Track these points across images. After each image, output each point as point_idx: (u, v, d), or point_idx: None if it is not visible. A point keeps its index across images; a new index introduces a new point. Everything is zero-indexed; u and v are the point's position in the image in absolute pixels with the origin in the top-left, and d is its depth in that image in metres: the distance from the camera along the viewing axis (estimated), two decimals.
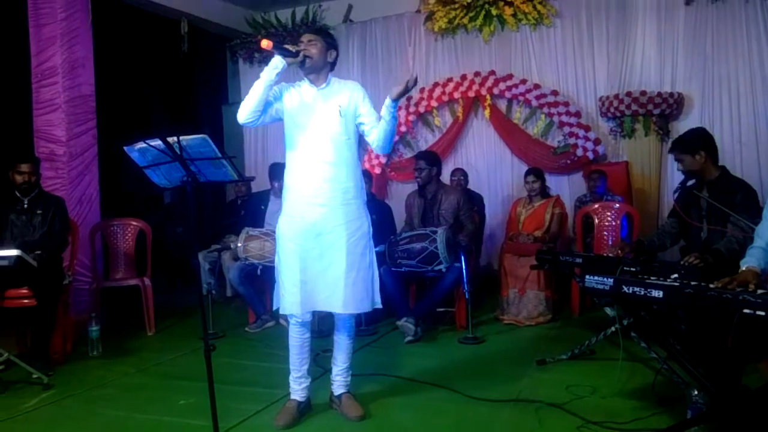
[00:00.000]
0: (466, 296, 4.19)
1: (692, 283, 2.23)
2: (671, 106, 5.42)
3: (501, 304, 4.68)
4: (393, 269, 4.36)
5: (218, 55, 7.59)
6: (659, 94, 5.40)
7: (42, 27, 5.07)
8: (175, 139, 2.35)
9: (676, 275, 2.58)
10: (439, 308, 4.58)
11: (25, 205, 4.00)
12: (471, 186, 5.74)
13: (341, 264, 2.70)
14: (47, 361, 3.70)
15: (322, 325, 3.93)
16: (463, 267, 4.19)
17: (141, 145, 2.39)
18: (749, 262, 2.40)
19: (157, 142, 2.36)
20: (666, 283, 2.22)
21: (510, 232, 4.94)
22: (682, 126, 5.35)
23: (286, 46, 2.69)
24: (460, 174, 5.63)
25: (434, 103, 6.36)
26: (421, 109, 6.40)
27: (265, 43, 2.59)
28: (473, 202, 5.20)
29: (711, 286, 2.16)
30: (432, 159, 4.68)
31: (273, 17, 7.04)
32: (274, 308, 2.86)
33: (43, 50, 5.08)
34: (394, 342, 4.18)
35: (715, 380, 2.33)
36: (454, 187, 5.13)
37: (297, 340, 2.83)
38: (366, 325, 4.39)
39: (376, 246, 4.25)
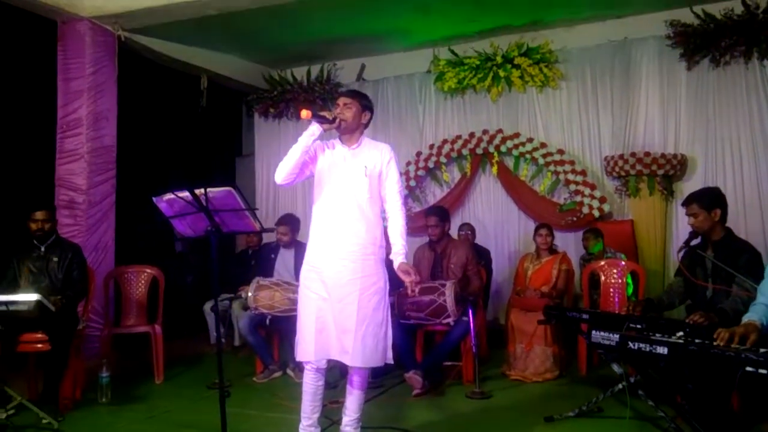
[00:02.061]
0: (474, 350, 4.21)
1: (696, 340, 2.29)
2: (675, 167, 5.56)
3: (508, 359, 4.69)
4: (401, 321, 4.40)
5: (234, 108, 7.86)
6: (663, 156, 5.55)
7: (70, 81, 5.33)
8: (202, 191, 2.47)
9: (681, 333, 2.64)
10: (446, 362, 4.59)
11: (42, 252, 4.08)
12: (478, 241, 5.83)
13: (352, 317, 2.77)
14: (57, 406, 3.73)
15: (329, 377, 3.95)
16: (471, 321, 4.23)
17: (169, 196, 2.51)
18: (751, 317, 2.47)
19: (184, 194, 2.48)
20: (671, 340, 2.28)
21: (517, 287, 4.99)
22: (686, 186, 5.48)
23: (323, 114, 2.84)
24: (468, 228, 5.73)
25: (443, 159, 6.53)
26: (431, 165, 6.57)
27: (305, 114, 2.74)
28: (480, 256, 5.28)
29: (715, 343, 2.22)
30: (444, 215, 4.80)
31: (289, 74, 7.32)
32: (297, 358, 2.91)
33: (70, 102, 5.33)
34: (401, 395, 4.18)
35: None
36: (462, 241, 5.22)
37: (311, 386, 2.87)
38: (372, 378, 4.39)
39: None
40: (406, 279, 2.78)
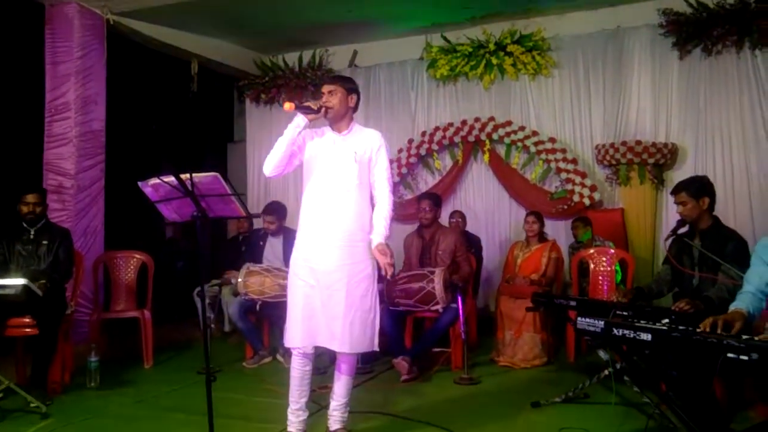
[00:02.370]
0: (462, 337, 4.23)
1: (680, 327, 2.31)
2: (665, 156, 5.58)
3: (497, 346, 4.72)
4: (390, 308, 4.42)
5: (225, 94, 7.81)
6: (654, 144, 5.56)
7: (58, 64, 5.27)
8: (188, 175, 2.46)
9: (666, 320, 2.66)
10: (435, 348, 4.61)
11: (32, 236, 4.08)
12: (469, 228, 5.85)
13: (340, 303, 2.79)
14: (46, 390, 3.73)
15: (318, 362, 3.96)
16: (460, 308, 4.25)
17: (155, 180, 2.50)
18: (737, 305, 2.50)
19: (170, 179, 2.47)
20: (654, 326, 2.30)
21: (507, 275, 5.02)
22: (676, 175, 5.49)
23: (308, 104, 2.82)
24: (459, 216, 5.75)
25: (435, 147, 6.52)
26: (422, 152, 6.56)
27: (288, 106, 2.73)
28: (471, 244, 5.30)
29: (698, 330, 2.24)
30: (437, 201, 4.83)
31: (281, 60, 7.26)
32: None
33: (58, 86, 5.27)
34: (389, 380, 4.21)
35: (705, 426, 2.38)
36: (452, 228, 5.23)
37: (298, 371, 2.89)
38: (362, 363, 4.41)
39: None
40: (382, 260, 2.77)
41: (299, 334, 2.81)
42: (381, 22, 6.36)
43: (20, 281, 3.49)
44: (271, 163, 2.85)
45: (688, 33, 5.55)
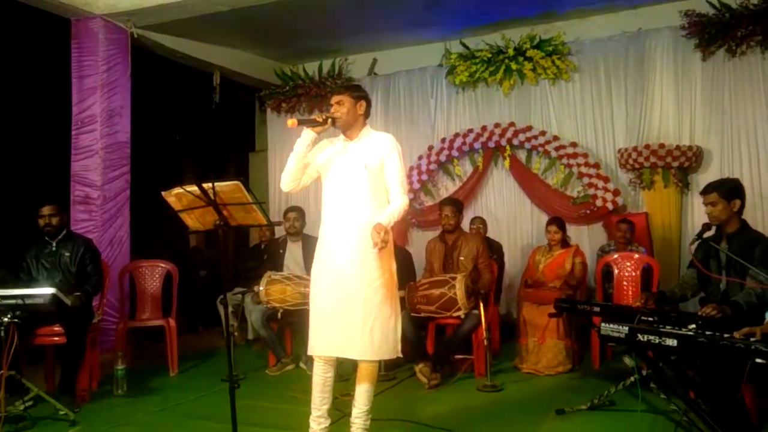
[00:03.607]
0: (485, 343, 4.21)
1: (706, 332, 2.27)
2: (690, 159, 5.49)
3: (520, 353, 4.68)
4: (412, 314, 4.41)
5: (247, 104, 7.91)
6: (678, 147, 5.48)
7: (84, 78, 5.40)
8: (210, 184, 2.49)
9: (693, 325, 2.61)
10: (458, 355, 4.59)
11: (53, 248, 4.15)
12: (490, 234, 5.82)
13: (358, 311, 2.79)
14: (74, 398, 3.80)
15: (342, 370, 3.97)
16: (482, 314, 4.23)
17: (178, 190, 2.54)
18: None
19: (193, 188, 2.51)
20: (680, 332, 2.26)
21: (527, 279, 4.98)
22: (702, 179, 5.41)
23: (313, 117, 2.85)
24: (480, 222, 5.72)
25: (455, 153, 6.50)
26: (443, 158, 6.55)
27: (291, 123, 2.77)
28: (492, 250, 5.27)
29: (734, 335, 2.19)
30: (459, 206, 4.83)
31: (301, 69, 7.34)
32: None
33: (84, 99, 5.39)
34: (412, 387, 4.20)
35: None
36: (474, 234, 5.21)
37: (320, 378, 2.90)
38: (385, 371, 4.41)
39: None
40: (374, 235, 2.65)
41: (320, 341, 2.83)
42: (400, 29, 6.39)
43: (49, 290, 3.56)
44: (286, 179, 2.91)
45: (711, 34, 5.47)
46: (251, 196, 2.58)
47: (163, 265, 5.06)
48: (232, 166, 8.07)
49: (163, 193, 2.64)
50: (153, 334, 5.21)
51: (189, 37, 6.17)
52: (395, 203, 2.86)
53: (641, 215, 5.67)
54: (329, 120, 2.84)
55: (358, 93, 2.96)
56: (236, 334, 5.16)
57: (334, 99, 2.94)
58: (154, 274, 5.04)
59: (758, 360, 1.94)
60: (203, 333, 6.50)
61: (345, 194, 2.86)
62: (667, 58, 5.76)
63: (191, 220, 2.69)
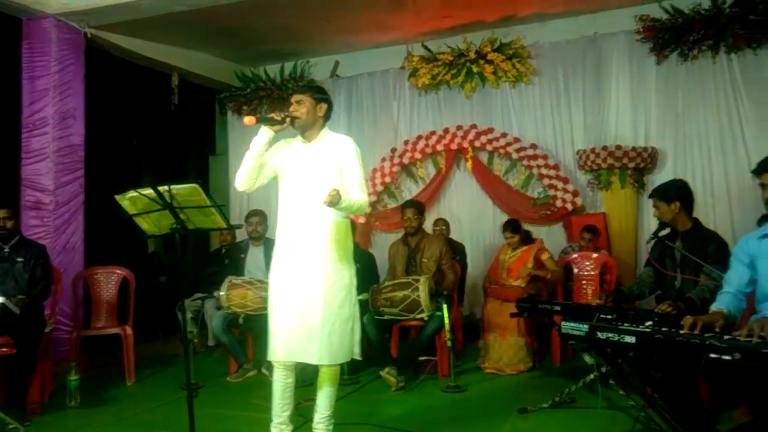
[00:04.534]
0: (448, 345, 4.22)
1: (663, 329, 2.32)
2: (645, 160, 5.63)
3: (482, 351, 4.71)
4: (375, 317, 4.40)
5: (207, 106, 7.77)
6: (634, 149, 5.61)
7: (36, 79, 5.21)
8: (167, 187, 2.43)
9: (650, 322, 2.66)
10: (422, 357, 4.59)
11: (6, 252, 3.99)
12: (453, 236, 5.85)
13: (317, 315, 2.75)
14: (24, 411, 3.65)
15: (304, 375, 3.92)
16: (445, 315, 4.23)
17: (132, 193, 2.46)
18: (718, 305, 2.52)
19: (148, 191, 2.44)
20: (638, 329, 2.30)
21: (492, 277, 5.02)
22: (656, 179, 5.55)
23: (271, 115, 2.80)
24: (442, 224, 5.75)
25: (418, 155, 6.52)
26: (405, 161, 6.56)
27: (248, 120, 2.72)
28: (455, 251, 5.29)
29: (681, 331, 2.25)
30: (421, 208, 4.83)
31: (262, 71, 7.25)
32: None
33: (36, 101, 5.21)
34: (376, 391, 4.17)
35: (690, 427, 2.38)
36: (436, 236, 5.23)
37: (280, 384, 2.86)
38: (349, 375, 4.38)
39: (358, 295, 4.34)
40: (326, 198, 2.60)
41: (279, 346, 2.78)
42: (362, 32, 6.37)
43: None
44: (241, 178, 2.85)
45: (665, 39, 5.62)
46: (210, 199, 2.52)
47: (119, 271, 4.92)
48: (191, 169, 7.90)
49: (116, 196, 2.56)
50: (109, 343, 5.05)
51: (146, 37, 6.02)
52: (355, 196, 2.81)
53: (599, 215, 5.78)
54: (288, 119, 2.79)
55: (319, 95, 2.92)
56: (196, 340, 5.05)
57: (295, 98, 2.89)
58: (109, 280, 4.89)
59: (712, 355, 1.98)
60: (163, 340, 6.35)
61: (303, 197, 2.81)
62: (623, 62, 5.90)
63: (147, 224, 2.61)
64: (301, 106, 2.85)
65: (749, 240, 2.71)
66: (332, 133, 2.95)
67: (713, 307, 2.55)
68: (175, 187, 2.46)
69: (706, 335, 2.21)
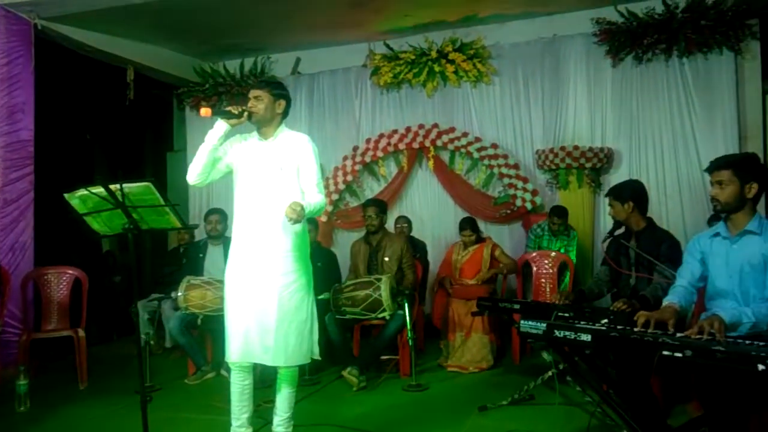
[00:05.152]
0: (410, 343, 4.22)
1: (618, 327, 2.37)
2: (602, 160, 5.75)
3: (446, 350, 4.73)
4: (337, 317, 4.37)
5: (164, 102, 7.59)
6: (591, 149, 5.73)
7: None
8: (118, 186, 2.35)
9: (606, 320, 2.72)
10: (384, 356, 4.59)
11: None
12: (414, 234, 5.86)
13: (272, 316, 2.71)
14: None
15: (264, 376, 3.87)
16: (407, 314, 4.24)
17: (82, 192, 2.38)
18: (671, 299, 2.59)
19: (98, 189, 2.36)
20: (594, 327, 2.34)
21: (443, 275, 5.06)
22: (612, 179, 5.67)
23: (228, 109, 2.74)
24: (404, 221, 5.76)
25: (380, 154, 6.51)
26: (367, 159, 6.54)
27: (205, 112, 2.66)
28: (416, 249, 5.31)
29: (635, 329, 2.30)
30: (383, 207, 4.82)
31: (221, 67, 7.12)
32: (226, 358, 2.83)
33: None
34: (338, 391, 4.15)
35: (643, 422, 2.43)
36: (397, 234, 5.24)
37: (237, 386, 2.81)
38: (310, 375, 4.34)
39: (320, 294, 4.31)
40: (289, 214, 2.54)
41: (236, 347, 2.74)
42: (324, 29, 6.32)
43: None
44: (193, 171, 2.77)
45: (620, 42, 5.75)
46: (164, 198, 2.45)
47: (71, 271, 4.76)
48: (148, 166, 7.71)
49: (65, 195, 2.46)
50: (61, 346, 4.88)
51: (100, 30, 5.82)
52: (313, 198, 2.78)
53: None
54: (245, 114, 2.73)
55: (278, 91, 2.87)
56: (153, 342, 4.92)
57: (253, 93, 2.83)
58: (60, 281, 4.73)
59: (665, 352, 2.03)
60: (118, 342, 6.18)
61: (259, 195, 2.77)
62: (580, 64, 6.01)
63: (97, 224, 2.52)
64: (259, 101, 2.79)
65: (701, 238, 2.80)
66: (289, 131, 2.90)
67: (666, 301, 2.63)
68: (128, 186, 2.39)
69: (659, 333, 2.27)
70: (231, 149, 2.83)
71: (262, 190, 2.76)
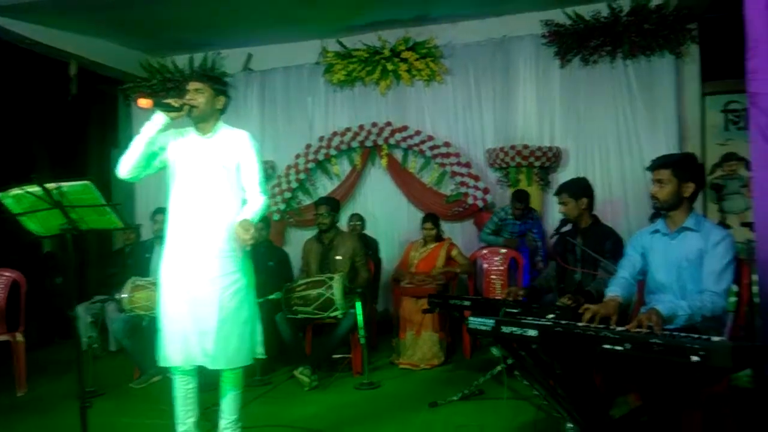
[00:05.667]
0: (362, 342, 4.22)
1: (563, 321, 2.42)
2: (550, 159, 5.88)
3: (397, 348, 4.75)
4: (289, 316, 4.33)
5: (110, 97, 7.35)
6: (539, 148, 5.85)
7: None
8: (54, 185, 2.25)
9: (552, 315, 2.78)
10: (336, 354, 4.57)
11: None
12: (368, 232, 5.86)
13: (212, 318, 2.63)
14: None
15: (210, 377, 3.79)
16: (359, 313, 4.23)
17: (16, 191, 2.27)
18: (614, 291, 2.68)
19: (34, 188, 2.25)
20: (539, 322, 2.38)
21: (399, 271, 5.08)
22: (560, 177, 5.80)
23: (168, 101, 2.65)
24: (357, 219, 5.76)
25: (333, 152, 6.48)
26: (320, 157, 6.50)
27: (144, 103, 2.58)
28: (369, 247, 5.31)
29: (579, 323, 2.36)
30: (334, 205, 4.79)
31: (169, 62, 6.95)
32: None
33: None
34: (289, 391, 4.11)
35: (586, 414, 2.49)
36: (350, 233, 5.23)
37: (180, 390, 2.74)
38: (261, 376, 4.29)
39: (272, 293, 4.26)
40: (242, 236, 2.53)
41: (174, 351, 2.65)
42: (276, 25, 6.24)
43: None
44: (126, 164, 2.64)
45: (568, 44, 5.89)
46: (105, 198, 2.36)
47: (7, 273, 4.55)
48: (93, 163, 7.45)
49: None
50: None
51: (41, 22, 5.58)
52: (256, 202, 2.73)
53: None
54: (186, 107, 2.65)
55: (219, 86, 2.80)
56: (96, 345, 4.76)
57: (193, 86, 2.73)
58: None
59: (605, 346, 2.09)
60: (59, 346, 5.95)
61: (199, 193, 2.68)
62: (530, 65, 6.12)
63: (33, 224, 2.41)
64: (199, 94, 2.70)
65: (642, 234, 2.90)
66: (228, 127, 2.81)
67: (609, 293, 2.71)
68: (66, 185, 2.29)
69: (601, 327, 2.33)
70: (168, 144, 2.72)
71: (202, 187, 2.68)
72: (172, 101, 2.65)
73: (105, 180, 5.67)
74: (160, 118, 2.62)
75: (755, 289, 3.08)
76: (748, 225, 5.34)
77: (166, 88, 6.81)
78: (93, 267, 6.47)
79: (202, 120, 2.74)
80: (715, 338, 2.03)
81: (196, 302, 2.63)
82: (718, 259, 2.56)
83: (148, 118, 2.76)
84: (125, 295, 4.22)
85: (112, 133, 7.60)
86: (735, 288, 2.59)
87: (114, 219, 2.42)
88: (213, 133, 2.76)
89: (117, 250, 6.08)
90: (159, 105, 2.61)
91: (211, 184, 2.68)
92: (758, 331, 3.12)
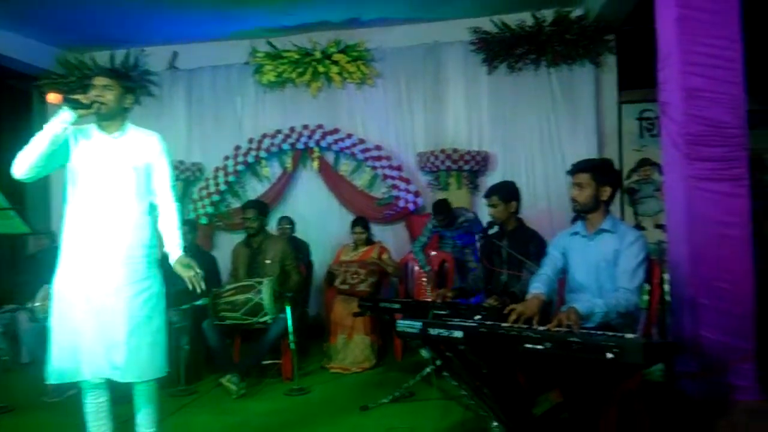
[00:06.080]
0: (292, 347, 4.16)
1: (487, 322, 2.47)
2: (479, 163, 6.02)
3: (328, 352, 4.72)
4: (216, 323, 4.22)
5: (23, 95, 6.93)
6: (469, 152, 5.97)
7: None
8: None
9: (479, 316, 2.84)
10: (266, 361, 4.49)
11: None
12: (299, 235, 5.80)
13: (121, 329, 2.48)
14: None
15: (125, 389, 3.63)
16: (289, 317, 4.17)
17: None
18: (537, 287, 2.75)
19: None
20: (465, 323, 2.43)
21: (332, 268, 5.07)
22: (488, 181, 5.94)
23: (77, 97, 2.49)
24: (287, 222, 5.68)
25: (263, 154, 6.38)
26: (250, 159, 6.38)
27: (53, 98, 2.42)
28: (299, 250, 5.25)
29: (502, 324, 2.42)
30: (262, 208, 4.70)
31: (89, 59, 6.63)
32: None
33: None
34: (216, 400, 4.00)
35: (509, 411, 2.56)
36: (279, 236, 5.16)
37: (92, 405, 2.60)
38: (186, 384, 4.15)
39: (199, 299, 4.13)
40: (187, 274, 2.53)
41: (75, 366, 2.47)
42: (203, 22, 6.07)
43: None
44: (24, 163, 2.45)
45: (495, 51, 6.06)
46: (8, 201, 2.21)
47: None
48: (3, 165, 6.98)
49: None
50: None
51: None
52: (173, 217, 2.63)
53: None
54: (96, 104, 2.50)
55: (128, 84, 2.68)
56: (7, 357, 4.46)
57: (101, 81, 2.56)
58: None
59: (527, 345, 2.15)
60: None
61: (106, 196, 2.53)
62: (459, 70, 6.25)
63: None
64: (108, 91, 2.54)
65: (563, 235, 3.02)
66: (136, 128, 2.68)
67: (532, 290, 2.79)
68: None
69: (523, 327, 2.40)
70: (68, 142, 2.54)
71: (108, 189, 2.53)
72: (82, 97, 2.49)
73: (16, 182, 5.32)
74: (66, 115, 2.45)
75: (666, 287, 3.27)
76: (661, 227, 5.66)
77: (84, 86, 6.39)
78: (2, 274, 6.06)
79: (109, 118, 2.58)
80: (629, 335, 2.13)
81: (101, 313, 2.47)
82: (631, 258, 2.69)
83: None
84: (38, 304, 3.99)
85: (25, 132, 7.12)
86: (647, 287, 2.74)
87: (19, 224, 2.27)
88: (121, 133, 2.61)
89: (29, 256, 5.72)
90: (67, 101, 2.45)
91: (118, 186, 2.54)
92: (669, 327, 3.31)
